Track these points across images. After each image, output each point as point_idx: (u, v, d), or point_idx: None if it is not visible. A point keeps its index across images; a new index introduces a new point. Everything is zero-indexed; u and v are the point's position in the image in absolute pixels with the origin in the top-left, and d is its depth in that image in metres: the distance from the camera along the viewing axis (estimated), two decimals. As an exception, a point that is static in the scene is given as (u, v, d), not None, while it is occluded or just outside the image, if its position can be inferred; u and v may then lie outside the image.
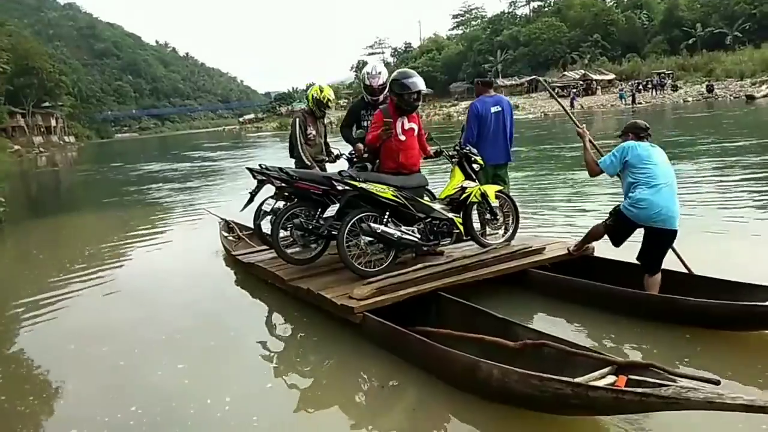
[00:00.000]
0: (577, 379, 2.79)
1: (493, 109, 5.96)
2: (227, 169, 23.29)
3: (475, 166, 5.57)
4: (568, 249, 5.19)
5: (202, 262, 7.35)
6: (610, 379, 2.86)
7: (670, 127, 23.72)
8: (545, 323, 4.36)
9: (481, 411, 3.19)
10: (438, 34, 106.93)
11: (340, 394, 3.67)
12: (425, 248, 5.22)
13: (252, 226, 6.59)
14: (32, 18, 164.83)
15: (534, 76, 68.30)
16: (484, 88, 6.18)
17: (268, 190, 5.80)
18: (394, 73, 5.39)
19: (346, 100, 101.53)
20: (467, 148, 5.63)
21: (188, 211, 12.13)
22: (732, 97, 40.57)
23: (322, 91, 6.35)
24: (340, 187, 5.14)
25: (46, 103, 79.78)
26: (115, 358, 4.44)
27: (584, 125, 5.11)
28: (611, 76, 58.79)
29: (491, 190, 5.46)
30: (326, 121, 6.87)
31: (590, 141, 4.89)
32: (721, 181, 9.80)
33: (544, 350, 3.31)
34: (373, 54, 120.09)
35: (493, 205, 5.43)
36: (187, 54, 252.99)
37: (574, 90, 51.58)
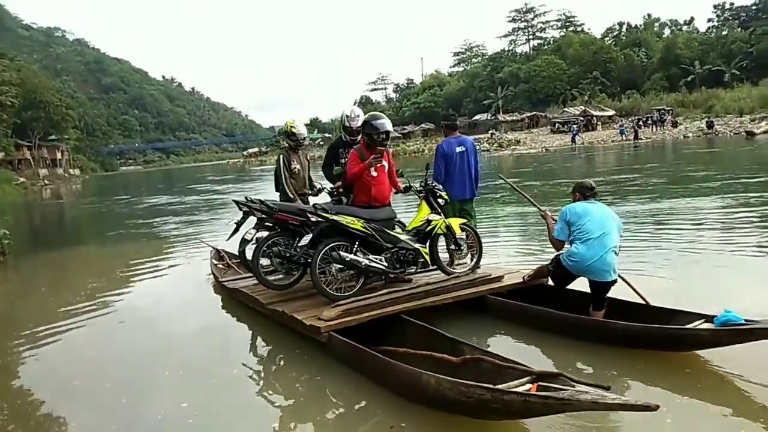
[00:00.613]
0: (496, 386, 3.14)
1: (458, 149, 6.52)
2: (232, 203, 23.37)
3: (440, 200, 6.03)
4: (523, 278, 5.60)
5: (197, 291, 7.58)
6: (527, 386, 3.22)
7: (684, 161, 23.89)
8: (498, 343, 4.82)
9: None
10: (440, 71, 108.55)
11: (315, 412, 3.92)
12: (392, 275, 5.67)
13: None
14: (41, 53, 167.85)
15: (534, 113, 69.36)
16: (449, 130, 6.77)
17: (253, 220, 6.12)
18: (366, 116, 6.07)
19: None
20: (433, 184, 6.06)
21: (190, 242, 12.20)
22: (732, 133, 40.94)
23: (287, 124, 6.86)
24: (313, 219, 5.58)
25: (53, 136, 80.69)
26: (118, 395, 4.44)
27: (545, 209, 5.63)
28: (611, 112, 59.45)
29: (456, 222, 5.96)
30: (309, 155, 7.29)
31: (552, 219, 5.32)
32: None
33: (482, 364, 3.66)
34: (375, 89, 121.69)
35: (457, 236, 5.90)
36: (193, 89, 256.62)
37: (576, 126, 52.09)
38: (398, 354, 4.13)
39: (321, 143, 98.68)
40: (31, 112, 69.69)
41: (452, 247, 5.97)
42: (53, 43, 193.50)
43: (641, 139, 43.60)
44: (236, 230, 6.36)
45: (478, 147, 41.64)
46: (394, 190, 6.09)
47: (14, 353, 5.83)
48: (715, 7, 79.04)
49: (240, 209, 6.17)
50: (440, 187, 6.11)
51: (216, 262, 8.03)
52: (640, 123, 48.91)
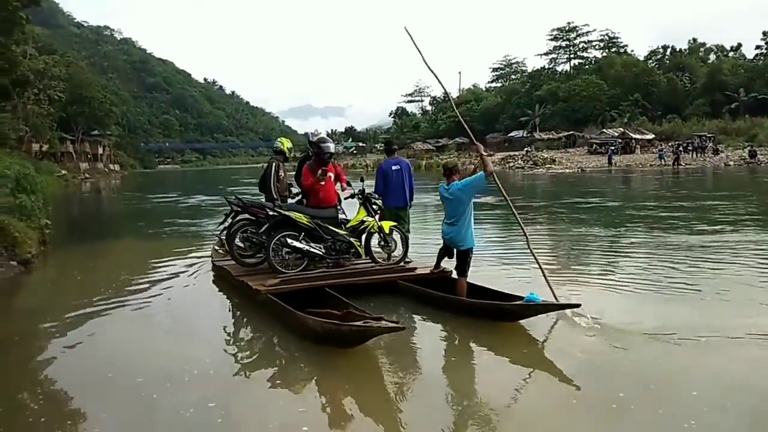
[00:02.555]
0: (337, 322, 5.04)
1: (394, 168, 8.23)
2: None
3: (374, 207, 7.67)
4: (431, 270, 7.09)
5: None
6: (360, 323, 4.88)
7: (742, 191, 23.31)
8: (394, 312, 6.52)
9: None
10: (477, 85, 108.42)
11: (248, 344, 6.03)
12: (329, 260, 7.33)
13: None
14: (90, 50, 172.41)
15: (572, 132, 68.54)
16: (388, 154, 8.71)
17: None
18: (316, 139, 7.96)
19: (382, 145, 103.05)
20: (368, 193, 7.71)
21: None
22: (775, 164, 39.84)
23: (281, 141, 8.66)
24: (271, 213, 7.29)
25: (95, 131, 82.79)
26: (149, 390, 4.52)
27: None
28: (651, 136, 58.30)
29: (387, 224, 7.65)
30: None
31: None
32: None
33: (350, 315, 5.21)
34: (412, 101, 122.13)
35: (386, 234, 7.60)
36: (233, 92, 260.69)
37: (612, 147, 51.26)
38: (316, 313, 5.49)
39: (354, 152, 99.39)
40: (76, 107, 71.62)
41: (382, 243, 7.65)
42: (102, 41, 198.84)
43: (681, 164, 42.61)
44: (224, 221, 8.16)
45: (512, 164, 41.15)
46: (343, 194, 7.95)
47: (52, 340, 6.00)
48: (764, 34, 76.97)
49: (228, 204, 7.88)
50: (376, 196, 7.81)
51: (218, 248, 9.45)
52: (680, 148, 47.85)
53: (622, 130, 59.55)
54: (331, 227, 7.30)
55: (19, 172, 13.87)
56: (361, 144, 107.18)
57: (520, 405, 4.33)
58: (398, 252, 7.77)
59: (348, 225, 7.51)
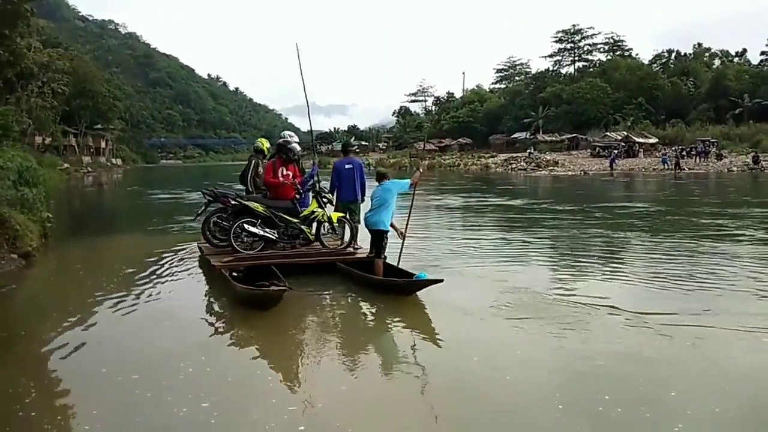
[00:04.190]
0: (251, 287, 6.77)
1: (347, 166, 9.18)
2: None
3: (324, 200, 8.93)
4: (367, 254, 8.13)
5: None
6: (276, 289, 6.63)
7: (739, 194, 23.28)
8: (328, 289, 7.72)
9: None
10: (481, 86, 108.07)
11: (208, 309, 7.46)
12: (282, 243, 8.59)
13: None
14: (94, 44, 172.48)
15: (575, 135, 68.49)
16: (343, 154, 9.97)
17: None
18: (281, 141, 9.21)
19: (386, 144, 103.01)
20: (319, 189, 9.08)
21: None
22: (778, 170, 39.77)
23: (260, 141, 10.00)
24: (233, 203, 8.65)
25: (98, 125, 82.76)
26: (144, 389, 4.51)
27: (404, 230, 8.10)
28: (654, 140, 58.18)
29: (335, 215, 8.81)
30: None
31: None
32: None
33: (272, 286, 6.76)
34: (415, 101, 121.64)
35: (334, 224, 8.83)
36: (236, 89, 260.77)
37: (615, 151, 51.19)
38: (260, 285, 6.85)
39: (357, 150, 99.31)
40: (79, 101, 71.48)
41: (330, 231, 8.94)
42: (106, 35, 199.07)
43: (683, 169, 42.54)
44: (203, 210, 9.37)
45: (514, 165, 41.26)
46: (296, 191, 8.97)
47: (50, 334, 5.97)
48: (769, 40, 76.93)
49: (204, 195, 9.22)
50: (327, 191, 9.14)
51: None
52: (683, 153, 47.75)
53: (625, 133, 59.44)
54: (284, 216, 8.56)
55: (21, 164, 13.85)
56: (363, 143, 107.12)
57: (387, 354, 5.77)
58: (347, 239, 8.92)
59: (301, 214, 8.74)
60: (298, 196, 9.09)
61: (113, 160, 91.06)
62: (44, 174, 14.62)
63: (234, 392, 4.46)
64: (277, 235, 8.47)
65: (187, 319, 6.62)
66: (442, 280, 6.89)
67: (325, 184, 9.48)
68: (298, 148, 9.14)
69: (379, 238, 7.71)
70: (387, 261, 7.97)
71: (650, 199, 21.46)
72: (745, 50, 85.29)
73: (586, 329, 5.85)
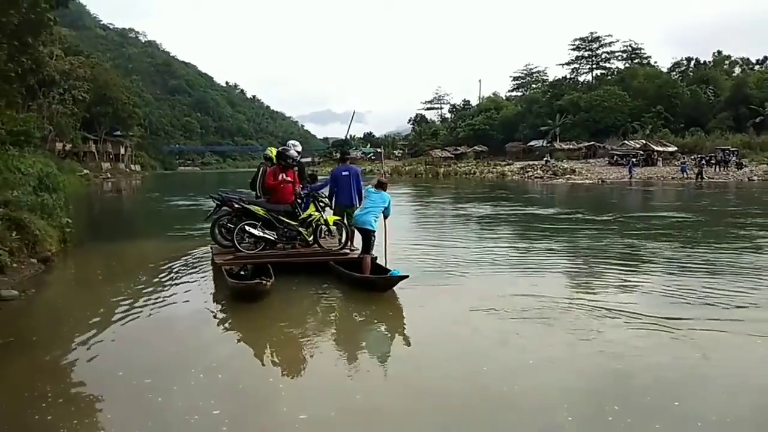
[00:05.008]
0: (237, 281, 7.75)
1: (344, 173, 9.83)
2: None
3: (321, 204, 9.67)
4: (358, 255, 8.76)
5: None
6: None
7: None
8: (315, 284, 8.37)
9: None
10: (497, 94, 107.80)
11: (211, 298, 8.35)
12: (280, 244, 9.26)
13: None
14: (115, 52, 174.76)
15: (593, 143, 67.96)
16: (340, 161, 10.53)
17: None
18: (280, 149, 9.90)
19: (401, 151, 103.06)
20: (318, 193, 9.84)
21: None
22: (801, 180, 39.16)
23: (270, 150, 10.46)
24: (236, 206, 9.31)
25: (118, 132, 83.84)
26: (156, 393, 4.54)
27: None
28: (673, 148, 57.50)
29: (331, 218, 9.56)
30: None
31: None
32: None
33: (263, 279, 7.56)
34: (431, 108, 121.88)
35: (331, 226, 9.56)
36: (254, 96, 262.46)
37: (634, 159, 50.69)
38: (254, 281, 7.63)
39: (373, 157, 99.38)
40: (100, 108, 72.53)
41: (327, 233, 9.61)
42: (126, 43, 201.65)
43: (704, 178, 41.93)
44: (213, 213, 10.01)
45: (531, 173, 40.90)
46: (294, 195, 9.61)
47: (65, 339, 6.05)
48: (791, 47, 75.87)
49: (213, 199, 9.93)
50: (325, 197, 9.88)
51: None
52: (703, 162, 47.12)
53: (643, 141, 58.82)
54: (283, 218, 9.24)
55: (41, 170, 14.10)
56: (379, 150, 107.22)
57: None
58: (343, 241, 9.64)
59: (299, 217, 9.39)
60: (299, 200, 9.78)
61: (132, 167, 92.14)
62: (64, 180, 14.85)
63: (245, 400, 4.48)
64: (276, 237, 9.14)
65: (200, 323, 6.67)
66: (407, 276, 7.69)
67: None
68: (295, 154, 9.79)
69: (367, 236, 8.44)
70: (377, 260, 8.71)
71: (683, 209, 20.86)
72: (766, 58, 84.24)
73: (598, 334, 5.79)
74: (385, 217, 8.82)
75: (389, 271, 8.16)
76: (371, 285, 7.95)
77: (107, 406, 4.36)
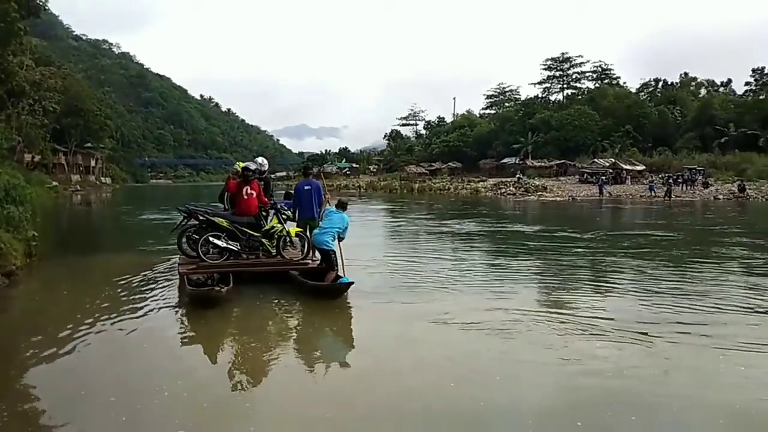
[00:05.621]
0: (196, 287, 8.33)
1: (306, 187, 10.40)
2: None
3: (284, 216, 10.23)
4: (317, 264, 9.28)
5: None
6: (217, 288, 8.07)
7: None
8: (276, 293, 8.74)
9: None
10: (471, 112, 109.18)
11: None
12: (244, 255, 9.59)
13: None
14: (87, 63, 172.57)
15: (563, 161, 69.15)
16: (304, 176, 11.11)
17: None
18: (245, 164, 10.17)
19: (377, 166, 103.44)
20: (281, 207, 10.40)
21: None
22: (764, 199, 40.28)
23: (238, 164, 10.46)
24: (201, 218, 9.57)
25: (89, 144, 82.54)
26: (120, 412, 4.48)
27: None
28: (641, 167, 58.82)
29: (293, 230, 9.97)
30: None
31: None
32: None
33: (217, 287, 8.09)
34: (407, 125, 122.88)
35: (293, 238, 9.97)
36: (228, 110, 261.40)
37: (603, 177, 51.67)
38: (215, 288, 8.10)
39: (348, 172, 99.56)
40: (71, 119, 71.31)
41: (289, 244, 10.00)
42: (100, 54, 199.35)
43: (671, 197, 42.85)
44: (179, 225, 10.30)
45: (503, 190, 41.20)
46: (260, 206, 9.99)
47: (29, 354, 5.92)
48: (753, 71, 78.53)
49: (179, 212, 10.09)
50: (287, 209, 10.42)
51: None
52: (671, 181, 48.21)
53: (613, 160, 60.11)
54: (246, 230, 9.57)
55: (8, 182, 13.80)
56: (354, 165, 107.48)
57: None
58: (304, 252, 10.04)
59: (263, 229, 9.77)
60: (264, 213, 10.25)
61: (103, 179, 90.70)
62: (31, 192, 14.55)
63: (211, 418, 4.44)
64: (239, 247, 9.47)
65: (165, 339, 6.60)
66: (353, 282, 8.35)
67: None
68: (254, 167, 10.16)
69: (326, 255, 8.90)
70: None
71: (663, 227, 21.13)
72: (730, 80, 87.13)
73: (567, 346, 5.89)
74: (340, 240, 9.12)
75: (339, 277, 8.71)
76: (324, 292, 8.48)
77: (69, 426, 4.28)
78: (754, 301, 8.42)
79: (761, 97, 71.12)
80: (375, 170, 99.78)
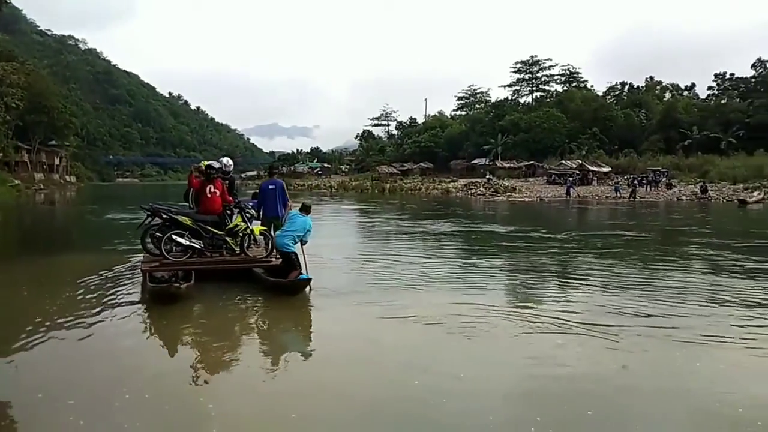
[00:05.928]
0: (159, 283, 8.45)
1: (270, 187, 10.71)
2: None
3: (248, 215, 10.27)
4: (280, 262, 9.19)
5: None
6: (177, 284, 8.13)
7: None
8: (238, 290, 8.75)
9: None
10: (443, 113, 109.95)
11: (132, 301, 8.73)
12: (207, 253, 9.62)
13: None
14: (52, 59, 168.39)
15: (532, 162, 70.13)
16: (269, 175, 11.72)
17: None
18: (209, 162, 10.26)
19: (349, 166, 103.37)
20: (245, 205, 10.40)
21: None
22: (725, 200, 41.38)
23: (202, 163, 10.41)
24: (164, 216, 9.56)
25: (53, 142, 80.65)
26: (79, 415, 4.40)
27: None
28: (607, 169, 59.99)
29: (257, 229, 10.17)
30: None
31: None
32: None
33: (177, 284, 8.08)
34: (378, 125, 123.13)
35: (257, 236, 10.28)
36: (198, 108, 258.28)
37: (571, 179, 52.53)
38: (168, 282, 8.40)
39: (320, 172, 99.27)
40: (34, 116, 69.69)
41: (254, 242, 10.35)
42: (65, 50, 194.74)
43: (636, 198, 43.82)
44: (143, 223, 10.14)
45: (473, 191, 41.47)
46: (225, 204, 9.97)
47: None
48: (716, 76, 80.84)
49: (143, 210, 10.05)
50: (250, 207, 10.52)
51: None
52: (636, 182, 49.30)
53: (580, 162, 61.15)
54: (210, 228, 9.60)
55: (-35, 181, 13.40)
56: (326, 165, 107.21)
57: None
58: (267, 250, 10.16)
59: (226, 227, 9.79)
60: (228, 211, 10.20)
61: (67, 177, 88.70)
62: (-10, 191, 14.14)
63: (173, 421, 4.40)
64: (202, 245, 9.52)
65: (127, 339, 6.49)
66: (311, 279, 8.61)
67: None
68: (218, 166, 10.29)
69: (286, 257, 8.95)
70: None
71: (633, 227, 21.58)
72: (693, 84, 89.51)
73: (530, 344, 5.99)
74: (303, 243, 9.19)
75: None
76: (283, 288, 8.59)
77: (26, 429, 4.19)
78: (719, 296, 8.68)
79: (723, 102, 73.27)
80: (347, 170, 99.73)
